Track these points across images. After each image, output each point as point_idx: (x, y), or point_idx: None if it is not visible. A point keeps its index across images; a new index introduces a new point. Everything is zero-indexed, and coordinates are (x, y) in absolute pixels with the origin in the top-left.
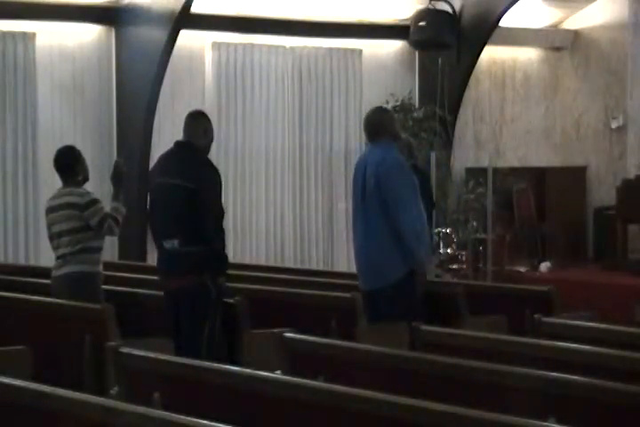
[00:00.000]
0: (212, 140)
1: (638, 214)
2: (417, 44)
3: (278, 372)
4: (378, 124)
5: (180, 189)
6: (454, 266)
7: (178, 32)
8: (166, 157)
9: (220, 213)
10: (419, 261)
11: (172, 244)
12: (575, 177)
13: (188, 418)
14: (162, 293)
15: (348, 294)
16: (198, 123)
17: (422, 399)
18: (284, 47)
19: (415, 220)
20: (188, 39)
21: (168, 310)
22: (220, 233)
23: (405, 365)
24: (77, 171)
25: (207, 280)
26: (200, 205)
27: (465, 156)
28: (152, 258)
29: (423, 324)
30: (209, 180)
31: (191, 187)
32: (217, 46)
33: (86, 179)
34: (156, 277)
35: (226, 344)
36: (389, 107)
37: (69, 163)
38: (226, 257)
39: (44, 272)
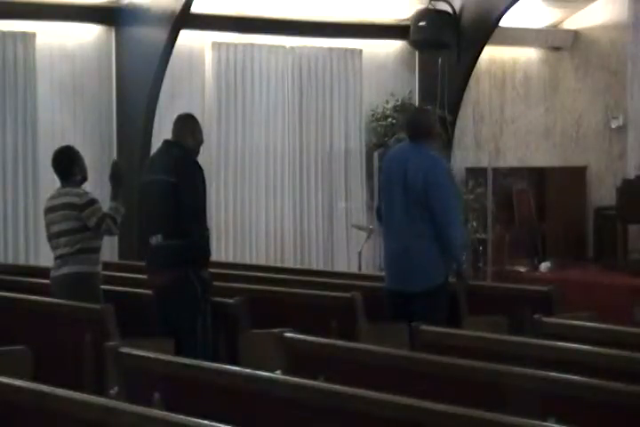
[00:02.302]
0: (200, 143)
1: (638, 214)
2: (417, 44)
3: (278, 372)
4: (427, 127)
5: (163, 183)
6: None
7: (178, 32)
8: (153, 156)
9: (202, 208)
10: (462, 264)
11: (156, 238)
12: (575, 177)
13: (188, 418)
14: None
15: (347, 294)
16: (185, 124)
17: (422, 399)
18: (284, 47)
19: (460, 224)
20: (188, 39)
21: (158, 307)
22: (202, 227)
23: (405, 365)
24: (75, 171)
25: (190, 273)
26: (181, 199)
27: (465, 156)
28: None
29: (423, 324)
30: (190, 174)
31: (172, 181)
32: (217, 46)
33: (84, 179)
34: None
35: (226, 344)
36: (389, 106)
37: (67, 163)
38: (207, 251)
39: (43, 272)
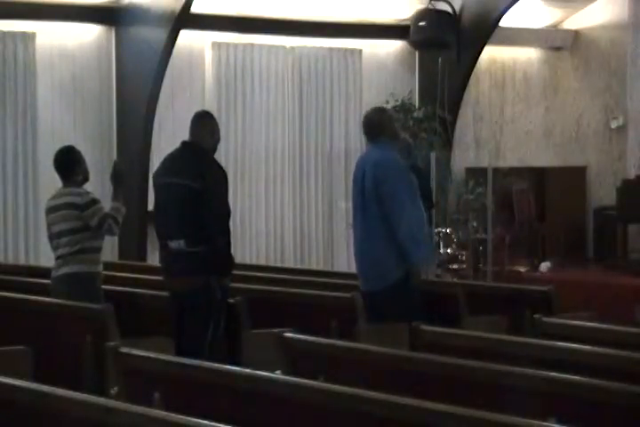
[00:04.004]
0: (218, 141)
1: (638, 214)
2: (417, 44)
3: (278, 372)
4: (377, 125)
5: (186, 189)
6: (454, 266)
7: (178, 32)
8: (172, 158)
9: (227, 214)
10: (413, 261)
11: (177, 244)
12: (575, 177)
13: (188, 418)
14: (162, 293)
15: (347, 294)
16: (204, 123)
17: (422, 399)
18: (284, 47)
19: (411, 220)
20: (188, 39)
21: (172, 311)
22: (225, 234)
23: (405, 365)
24: (77, 171)
25: (212, 281)
26: (206, 206)
27: (465, 156)
28: (152, 258)
29: (423, 324)
30: (215, 180)
31: (197, 187)
32: (217, 46)
33: (86, 179)
34: (155, 277)
35: (226, 344)
36: (389, 107)
37: (69, 163)
38: (231, 258)
39: (44, 272)
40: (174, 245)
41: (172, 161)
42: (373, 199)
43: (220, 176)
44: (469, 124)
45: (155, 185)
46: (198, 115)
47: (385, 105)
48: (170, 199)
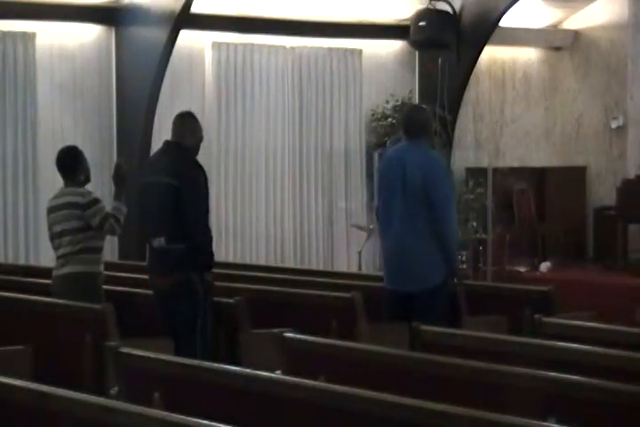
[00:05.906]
0: (200, 141)
1: (638, 214)
2: (417, 44)
3: (278, 372)
4: (422, 124)
5: (165, 186)
6: None
7: (178, 32)
8: (154, 157)
9: (205, 211)
10: (457, 263)
11: (158, 242)
12: (575, 177)
13: (188, 418)
14: None
15: (347, 294)
16: (185, 123)
17: (422, 399)
18: (284, 47)
19: (455, 224)
20: (188, 39)
21: (158, 309)
22: (205, 230)
23: (405, 365)
24: (79, 171)
25: (194, 277)
26: (184, 203)
27: (465, 156)
28: None
29: (422, 323)
30: (192, 177)
31: (175, 184)
32: (217, 46)
33: (88, 179)
34: None
35: (225, 344)
36: (389, 107)
37: (71, 163)
38: (211, 254)
39: (44, 272)
40: (156, 242)
41: (153, 160)
42: (420, 200)
43: (198, 173)
44: (469, 124)
45: (139, 184)
46: (180, 115)
47: (385, 105)
48: (151, 198)
